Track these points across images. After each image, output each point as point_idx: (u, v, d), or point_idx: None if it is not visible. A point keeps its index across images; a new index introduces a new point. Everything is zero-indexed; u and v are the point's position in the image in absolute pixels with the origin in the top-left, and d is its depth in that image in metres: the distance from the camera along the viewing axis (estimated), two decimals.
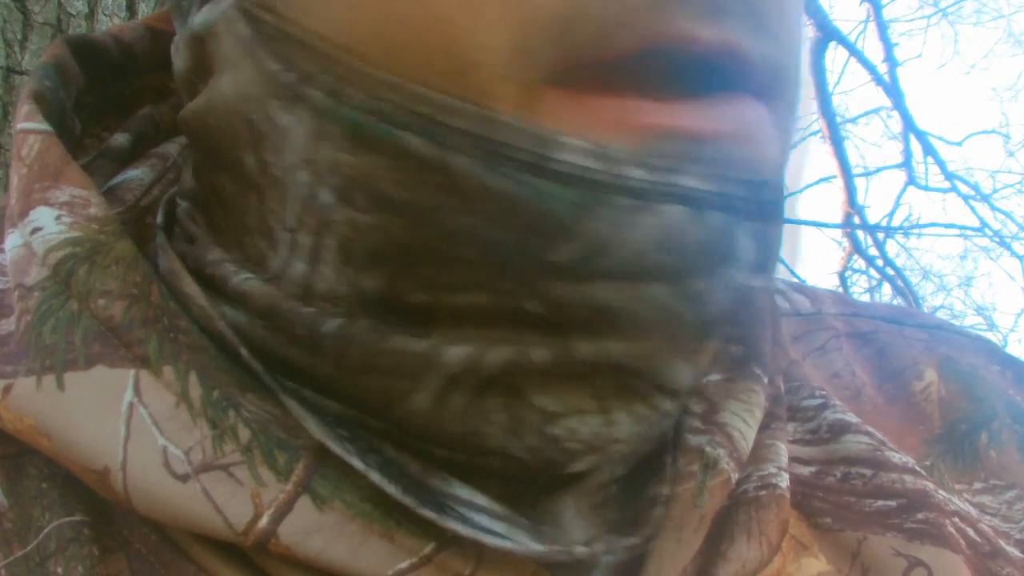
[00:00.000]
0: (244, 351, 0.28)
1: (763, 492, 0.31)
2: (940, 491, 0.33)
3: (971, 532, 0.33)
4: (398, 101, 0.24)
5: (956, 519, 0.33)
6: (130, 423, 0.27)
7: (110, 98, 0.37)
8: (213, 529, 0.26)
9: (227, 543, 0.27)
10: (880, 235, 4.66)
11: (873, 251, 4.64)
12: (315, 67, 0.25)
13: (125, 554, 0.28)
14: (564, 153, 0.23)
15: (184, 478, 0.26)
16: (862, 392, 0.37)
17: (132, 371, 0.27)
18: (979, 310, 6.17)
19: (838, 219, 4.54)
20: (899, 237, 5.19)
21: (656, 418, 0.27)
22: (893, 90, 4.19)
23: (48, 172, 0.30)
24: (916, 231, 5.19)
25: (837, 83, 4.61)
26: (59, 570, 0.27)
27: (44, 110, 0.32)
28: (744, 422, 0.31)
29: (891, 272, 4.67)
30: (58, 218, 0.29)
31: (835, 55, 4.43)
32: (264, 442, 0.27)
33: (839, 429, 0.34)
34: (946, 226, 4.90)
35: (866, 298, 5.68)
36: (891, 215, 4.92)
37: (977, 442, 0.36)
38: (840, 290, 5.11)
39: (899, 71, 4.24)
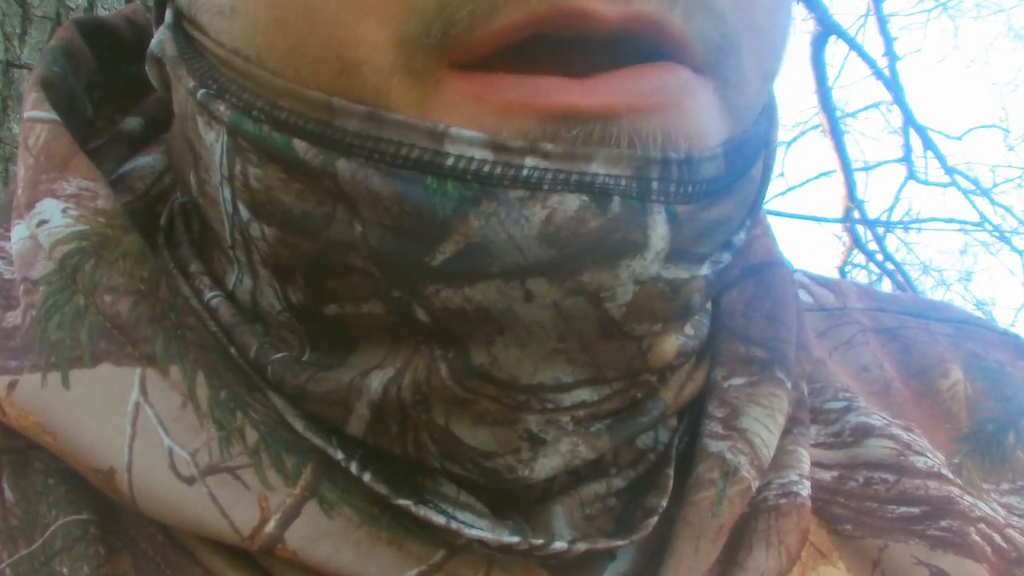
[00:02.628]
0: (234, 351, 0.28)
1: (783, 500, 0.30)
2: (966, 496, 0.32)
3: (998, 538, 0.32)
4: (295, 108, 0.24)
5: (982, 525, 0.32)
6: (136, 423, 0.26)
7: (123, 80, 0.36)
8: (219, 533, 0.26)
9: (231, 546, 0.27)
10: (880, 230, 4.66)
11: (873, 246, 4.65)
12: (225, 82, 0.26)
13: (131, 554, 0.27)
14: (456, 146, 0.22)
15: (190, 480, 0.26)
16: (891, 385, 0.36)
17: (138, 369, 0.27)
18: (979, 305, 6.18)
19: (838, 213, 4.54)
20: (899, 232, 5.19)
21: (594, 430, 0.26)
22: (893, 84, 4.19)
23: (55, 163, 0.30)
24: (916, 226, 5.19)
25: (837, 77, 4.62)
26: (64, 570, 0.26)
27: (52, 97, 0.32)
28: (766, 428, 0.30)
29: (891, 267, 4.67)
30: (65, 211, 0.29)
31: (835, 49, 4.43)
32: (272, 445, 0.26)
33: (862, 433, 0.33)
34: (946, 220, 4.90)
35: None
36: (891, 210, 4.92)
37: (1005, 442, 0.35)
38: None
39: (899, 65, 4.24)
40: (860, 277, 5.21)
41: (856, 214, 4.48)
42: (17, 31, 0.98)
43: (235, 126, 0.25)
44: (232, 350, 0.28)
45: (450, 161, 0.22)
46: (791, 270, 0.35)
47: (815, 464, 0.32)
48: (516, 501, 0.28)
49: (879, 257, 4.66)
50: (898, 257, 5.00)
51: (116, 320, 0.27)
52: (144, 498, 0.26)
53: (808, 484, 0.30)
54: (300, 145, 0.24)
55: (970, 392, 0.37)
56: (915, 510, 0.31)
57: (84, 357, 0.27)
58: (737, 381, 0.31)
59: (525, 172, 0.22)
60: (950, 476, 0.33)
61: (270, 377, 0.27)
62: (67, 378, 0.26)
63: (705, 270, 0.24)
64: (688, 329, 0.28)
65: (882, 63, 4.17)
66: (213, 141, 0.26)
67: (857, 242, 4.65)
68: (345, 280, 0.25)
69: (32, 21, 0.99)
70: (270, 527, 0.25)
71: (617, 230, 0.22)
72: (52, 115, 0.31)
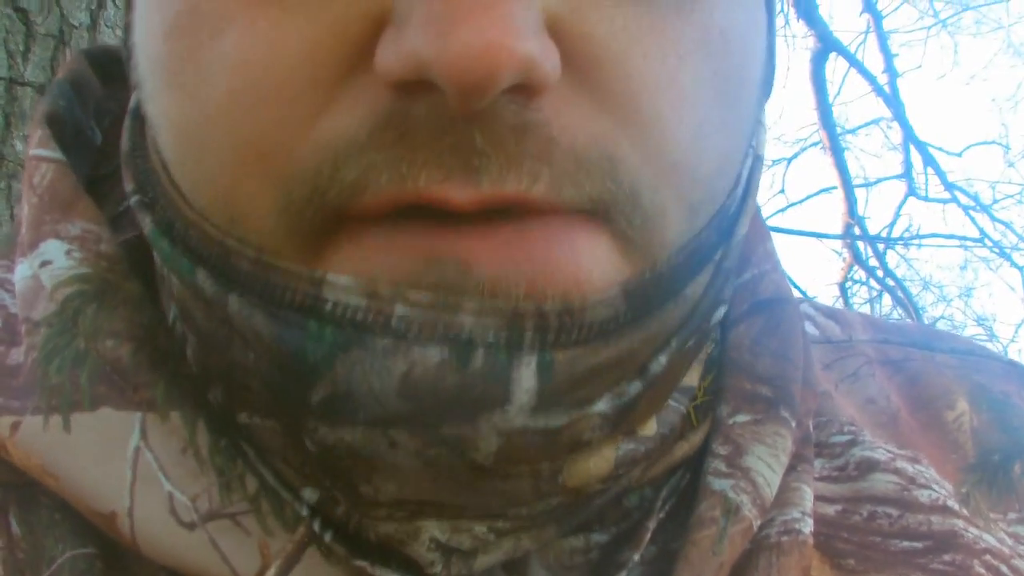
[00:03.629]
0: (210, 395, 0.28)
1: (785, 538, 0.30)
2: (971, 528, 0.32)
3: (1004, 568, 0.32)
4: (201, 239, 0.25)
5: (988, 556, 0.32)
6: (136, 468, 0.26)
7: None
8: None
9: None
10: (880, 246, 4.66)
11: (873, 262, 4.65)
12: (156, 194, 0.27)
13: None
14: (333, 292, 0.23)
15: (191, 526, 0.26)
16: (898, 416, 0.36)
17: (139, 414, 0.27)
18: (979, 321, 6.17)
19: (838, 230, 4.54)
20: (899, 248, 5.19)
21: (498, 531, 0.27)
22: (893, 101, 4.20)
23: (59, 204, 0.30)
24: (916, 242, 5.19)
25: (837, 94, 4.63)
26: None
27: (57, 133, 0.32)
28: (769, 467, 0.30)
29: (891, 283, 4.67)
30: (68, 252, 0.29)
31: (835, 66, 4.44)
32: (272, 492, 0.27)
33: (867, 467, 0.33)
34: (946, 237, 4.90)
35: (866, 309, 5.68)
36: (891, 226, 4.92)
37: (1011, 472, 0.35)
38: (841, 302, 5.11)
39: (899, 82, 4.25)
40: (860, 293, 5.21)
41: (856, 230, 4.49)
42: (20, 48, 0.98)
43: (153, 242, 0.26)
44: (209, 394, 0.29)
45: (328, 307, 0.23)
46: (799, 306, 0.35)
47: (819, 498, 0.32)
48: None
49: (879, 273, 4.66)
50: (899, 273, 5.00)
51: (117, 364, 0.27)
52: (146, 542, 0.26)
53: (811, 521, 0.30)
54: (201, 274, 0.25)
55: (976, 423, 0.37)
56: (918, 544, 0.31)
57: (84, 401, 0.27)
58: (742, 418, 0.31)
59: (394, 321, 0.22)
60: (955, 508, 0.33)
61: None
62: (68, 421, 0.27)
63: (601, 407, 0.24)
64: (646, 430, 0.27)
65: (882, 80, 4.19)
66: (158, 254, 0.27)
67: (857, 258, 4.65)
68: (249, 394, 0.26)
69: (35, 38, 0.99)
70: (271, 574, 0.26)
71: (476, 386, 0.22)
72: (58, 154, 0.31)
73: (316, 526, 0.26)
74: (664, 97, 0.23)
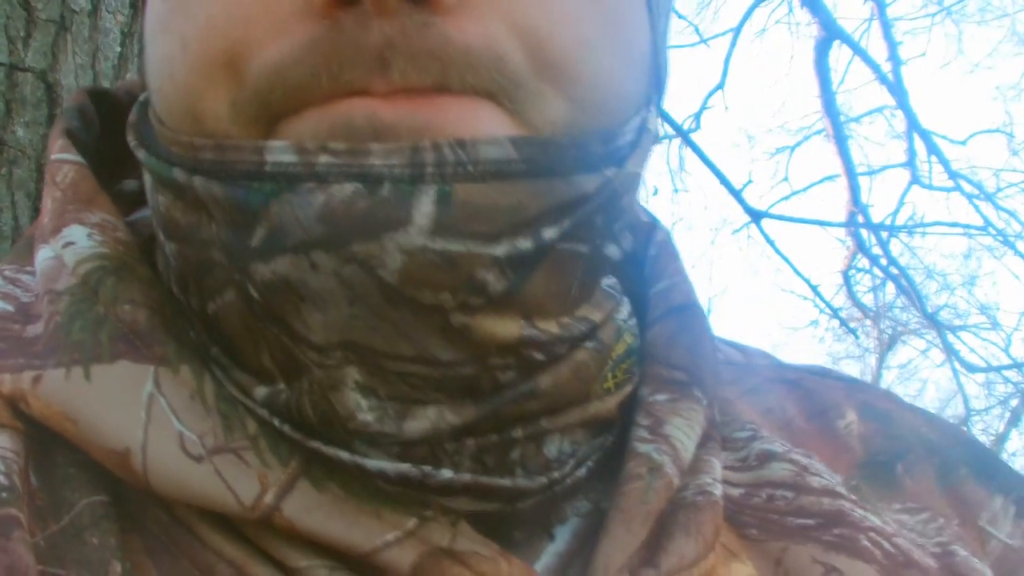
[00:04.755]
0: (214, 351, 0.33)
1: (700, 498, 0.34)
2: (857, 509, 0.37)
3: (886, 544, 0.36)
4: (176, 149, 0.31)
5: (872, 534, 0.36)
6: (150, 411, 0.30)
7: (124, 154, 0.40)
8: (224, 504, 0.29)
9: (229, 524, 0.30)
10: (884, 234, 4.66)
11: (877, 250, 4.64)
12: (151, 140, 0.33)
13: (140, 535, 0.31)
14: (272, 155, 0.28)
15: (199, 459, 0.30)
16: (793, 423, 0.42)
17: (152, 367, 0.31)
18: (983, 309, 6.17)
19: (842, 218, 4.54)
20: (903, 236, 5.19)
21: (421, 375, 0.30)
22: (897, 89, 4.19)
23: (80, 197, 0.35)
24: (920, 230, 5.19)
25: (841, 82, 4.61)
26: (95, 540, 0.29)
27: (77, 145, 0.37)
28: (686, 435, 0.35)
29: (895, 271, 4.67)
30: (90, 235, 0.34)
31: (839, 54, 4.42)
32: (268, 434, 0.31)
33: (766, 457, 0.38)
34: (950, 225, 4.89)
35: (870, 297, 5.68)
36: (895, 214, 4.92)
37: (895, 471, 0.41)
38: (845, 290, 5.10)
39: (903, 70, 4.24)
40: (864, 281, 5.21)
41: (860, 218, 4.48)
42: (21, 34, 0.98)
43: (144, 160, 0.33)
44: (212, 349, 0.33)
45: (268, 167, 0.28)
46: (704, 312, 0.40)
47: (725, 482, 0.37)
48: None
49: (883, 261, 4.65)
50: (902, 261, 5.00)
51: (134, 327, 0.31)
52: (156, 475, 0.30)
53: (720, 487, 0.35)
54: (176, 171, 0.31)
55: (863, 431, 0.42)
56: (811, 521, 0.36)
57: (104, 355, 0.31)
58: (661, 397, 0.36)
59: (318, 168, 0.27)
60: (844, 493, 0.37)
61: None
62: (89, 372, 0.31)
63: (498, 251, 0.28)
64: (548, 326, 0.31)
65: (886, 67, 4.17)
66: (147, 181, 0.33)
67: (861, 246, 4.65)
68: (212, 275, 0.31)
69: (36, 24, 0.99)
70: (268, 498, 0.29)
71: (381, 209, 0.27)
72: (79, 158, 0.36)
73: (276, 421, 0.31)
74: (547, 13, 0.30)
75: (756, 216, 3.80)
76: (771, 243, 3.83)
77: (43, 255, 0.34)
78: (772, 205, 4.63)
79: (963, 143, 4.89)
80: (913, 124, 4.37)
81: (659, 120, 0.36)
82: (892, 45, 4.23)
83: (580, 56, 0.30)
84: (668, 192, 5.05)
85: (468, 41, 0.28)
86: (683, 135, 4.04)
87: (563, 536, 0.34)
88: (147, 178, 0.33)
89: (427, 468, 0.30)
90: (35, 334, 0.33)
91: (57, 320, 0.32)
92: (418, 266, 0.28)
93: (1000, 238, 4.80)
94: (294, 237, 0.28)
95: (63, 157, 0.36)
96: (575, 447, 0.34)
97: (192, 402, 0.31)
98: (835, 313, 5.13)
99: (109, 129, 0.40)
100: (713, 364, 0.38)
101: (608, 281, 0.35)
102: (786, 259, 3.93)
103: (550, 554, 0.34)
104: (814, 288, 4.64)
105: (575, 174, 0.30)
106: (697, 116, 4.28)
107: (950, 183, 4.60)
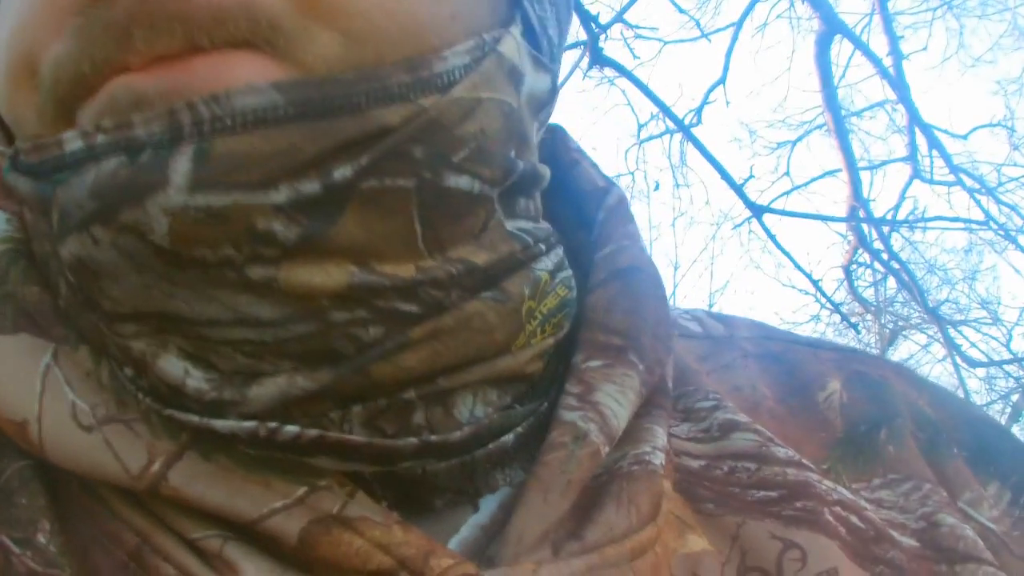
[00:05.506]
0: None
1: (636, 467, 0.33)
2: (824, 482, 0.36)
3: (854, 519, 0.35)
4: (9, 153, 0.31)
5: (837, 508, 0.35)
6: (45, 381, 0.31)
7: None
8: (112, 474, 0.30)
9: (133, 494, 0.31)
10: (885, 229, 4.66)
11: (878, 245, 4.64)
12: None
13: (55, 500, 0.31)
14: (68, 144, 0.28)
15: (89, 429, 0.30)
16: (760, 405, 0.40)
17: (52, 344, 0.32)
18: (984, 304, 6.17)
19: (843, 212, 4.54)
20: (904, 231, 5.19)
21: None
22: (898, 83, 4.19)
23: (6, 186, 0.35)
24: (921, 224, 5.18)
25: (842, 76, 4.61)
26: (23, 501, 0.31)
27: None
28: (617, 402, 0.34)
29: (896, 266, 4.67)
30: (8, 220, 0.35)
31: (840, 48, 4.42)
32: (159, 411, 0.31)
33: (728, 427, 0.37)
34: (951, 219, 4.89)
35: (871, 292, 5.68)
36: (896, 208, 4.92)
37: (877, 439, 0.39)
38: (846, 285, 5.10)
39: (904, 64, 4.24)
40: (865, 276, 5.21)
41: (861, 213, 4.48)
42: None
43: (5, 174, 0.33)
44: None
45: (67, 157, 0.28)
46: (656, 274, 0.39)
47: (684, 454, 0.36)
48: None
49: (884, 256, 4.66)
50: (904, 256, 5.00)
51: (39, 308, 0.32)
52: (51, 446, 0.30)
53: (662, 455, 0.34)
54: (11, 175, 0.31)
55: (845, 399, 0.40)
56: (773, 494, 0.35)
57: (6, 327, 0.32)
58: (594, 364, 0.35)
59: (97, 148, 0.28)
60: (810, 465, 0.36)
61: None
62: None
63: (277, 198, 0.28)
64: (400, 269, 0.30)
65: (887, 62, 4.17)
66: None
67: (862, 241, 4.65)
68: (51, 267, 0.32)
69: None
70: (155, 467, 0.30)
71: (140, 175, 0.27)
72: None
73: (140, 396, 0.31)
74: None
75: (757, 211, 3.80)
76: (772, 238, 3.84)
77: None
78: (773, 200, 4.64)
79: (964, 137, 4.88)
80: (914, 118, 4.37)
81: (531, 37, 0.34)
82: (893, 39, 4.23)
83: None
84: (669, 187, 5.06)
85: None
86: (684, 130, 4.04)
87: (488, 506, 0.33)
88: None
89: (272, 424, 0.29)
90: None
91: None
92: (184, 224, 0.27)
93: (1001, 232, 4.80)
94: (74, 217, 0.28)
95: None
96: (490, 409, 0.33)
97: (87, 378, 0.31)
98: (836, 308, 5.13)
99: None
100: (657, 327, 0.36)
101: (519, 224, 0.33)
102: (787, 254, 3.93)
103: (471, 525, 0.33)
104: (815, 283, 4.64)
105: (369, 109, 0.28)
106: (698, 111, 4.28)
107: (951, 178, 4.60)
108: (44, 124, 0.30)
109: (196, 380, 0.30)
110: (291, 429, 0.29)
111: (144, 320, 0.30)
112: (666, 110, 3.96)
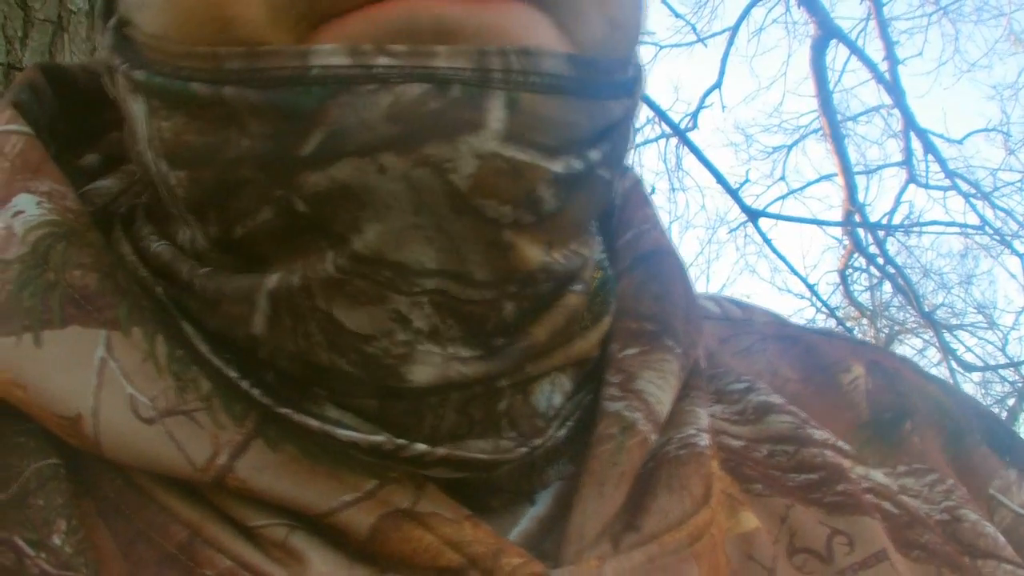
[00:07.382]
0: (173, 309, 0.31)
1: (683, 451, 0.33)
2: (857, 468, 0.36)
3: (887, 504, 0.35)
4: (192, 64, 0.28)
5: (871, 495, 0.35)
6: (101, 375, 0.29)
7: (83, 131, 0.39)
8: (175, 467, 0.29)
9: (186, 486, 0.30)
10: (881, 233, 4.66)
11: (874, 249, 4.65)
12: (145, 59, 0.30)
13: (93, 498, 0.30)
14: (319, 58, 0.26)
15: (150, 421, 0.29)
16: (784, 388, 0.40)
17: (104, 331, 0.30)
18: (979, 308, 6.18)
19: (839, 217, 4.54)
20: (900, 235, 5.19)
21: (461, 309, 0.29)
22: (894, 88, 4.20)
23: (29, 167, 0.33)
24: (917, 229, 5.19)
25: (838, 81, 4.62)
26: (40, 502, 0.29)
27: (26, 117, 0.35)
28: (659, 388, 0.33)
29: (892, 270, 4.67)
30: (39, 203, 0.32)
31: (836, 53, 4.43)
32: (223, 394, 0.30)
33: (764, 410, 0.37)
34: (947, 224, 4.90)
35: (867, 296, 5.68)
36: (892, 213, 4.92)
37: (902, 429, 0.39)
38: (842, 289, 5.11)
39: (900, 69, 4.24)
40: (861, 280, 5.22)
41: (857, 217, 4.49)
42: (19, 34, 0.98)
43: (147, 82, 0.30)
44: (173, 308, 0.31)
45: (314, 72, 0.26)
46: (679, 256, 0.38)
47: (724, 434, 0.36)
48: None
49: (880, 260, 4.66)
50: (899, 260, 5.00)
51: (84, 291, 0.30)
52: (108, 440, 0.29)
53: (707, 436, 0.34)
54: (195, 85, 0.28)
55: (870, 386, 0.40)
56: (814, 476, 0.35)
57: (55, 320, 0.30)
58: (631, 351, 0.34)
59: (376, 70, 0.26)
60: (845, 448, 0.37)
61: (198, 290, 0.30)
62: (39, 338, 0.30)
63: (556, 167, 0.27)
64: (557, 256, 0.30)
65: (883, 67, 4.18)
66: (137, 110, 0.30)
67: (858, 245, 4.65)
68: (240, 196, 0.28)
69: (33, 24, 0.99)
70: (221, 459, 0.29)
71: (455, 110, 0.26)
72: (27, 129, 0.34)
73: (245, 384, 0.30)
74: None
75: (753, 215, 3.81)
76: (768, 242, 3.85)
77: None
78: (770, 204, 4.64)
79: (960, 142, 4.90)
80: (910, 123, 4.37)
81: None
82: (889, 44, 4.23)
83: None
84: (665, 191, 5.06)
85: None
86: (680, 134, 4.04)
87: (544, 500, 0.33)
88: (138, 109, 0.30)
89: (401, 441, 0.29)
90: None
91: (8, 289, 0.30)
92: (489, 172, 0.26)
93: (997, 237, 4.82)
94: (358, 139, 0.26)
95: (10, 128, 0.34)
96: (563, 398, 0.33)
97: (144, 364, 0.30)
98: (832, 312, 5.14)
99: (66, 105, 0.38)
100: (688, 310, 0.36)
101: None
102: (783, 258, 3.94)
103: (529, 518, 0.32)
104: (811, 287, 4.65)
105: (610, 99, 0.29)
106: (694, 115, 4.29)
107: (947, 182, 4.61)
108: (277, 27, 0.27)
109: (401, 333, 0.28)
110: (419, 447, 0.29)
111: (385, 267, 0.28)
112: (662, 114, 3.96)
